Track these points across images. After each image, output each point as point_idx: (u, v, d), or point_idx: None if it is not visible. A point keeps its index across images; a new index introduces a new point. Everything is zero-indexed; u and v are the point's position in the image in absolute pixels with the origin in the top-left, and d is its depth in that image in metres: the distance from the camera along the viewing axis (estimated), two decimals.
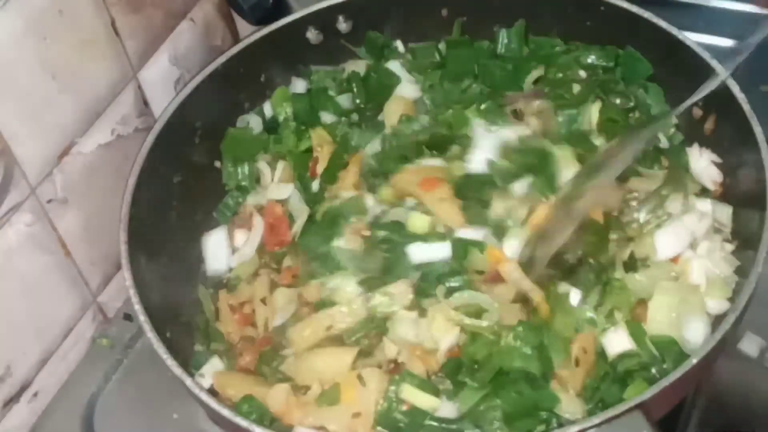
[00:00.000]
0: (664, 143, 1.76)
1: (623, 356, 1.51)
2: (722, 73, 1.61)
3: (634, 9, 1.75)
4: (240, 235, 1.82)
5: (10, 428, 1.74)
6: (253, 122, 1.92)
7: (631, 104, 1.78)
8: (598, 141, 1.75)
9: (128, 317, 1.87)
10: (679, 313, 1.53)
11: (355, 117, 1.90)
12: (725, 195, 1.69)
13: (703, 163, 1.71)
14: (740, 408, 1.63)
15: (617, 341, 1.52)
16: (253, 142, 1.89)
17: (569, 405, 1.46)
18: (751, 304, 1.44)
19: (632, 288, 1.56)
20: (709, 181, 1.70)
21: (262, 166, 1.88)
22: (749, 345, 1.68)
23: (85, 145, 1.75)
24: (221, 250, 1.82)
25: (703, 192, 1.69)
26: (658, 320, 1.52)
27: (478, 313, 1.53)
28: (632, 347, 1.51)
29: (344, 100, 1.93)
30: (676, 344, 1.50)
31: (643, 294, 1.56)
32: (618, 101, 1.79)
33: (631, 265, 1.59)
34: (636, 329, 1.52)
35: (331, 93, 1.93)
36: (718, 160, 1.71)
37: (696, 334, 1.52)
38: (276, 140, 1.89)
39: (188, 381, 1.46)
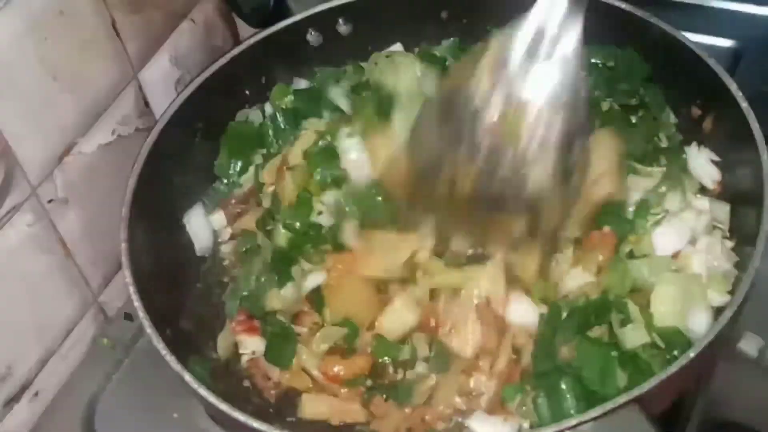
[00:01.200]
0: (663, 142, 1.76)
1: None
2: None
3: (634, 9, 1.76)
4: (218, 217, 1.84)
5: (11, 428, 1.74)
6: (253, 116, 1.92)
7: (634, 101, 1.79)
8: None
9: (129, 317, 1.87)
10: (683, 304, 1.53)
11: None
12: (724, 193, 1.69)
13: (701, 161, 1.72)
14: (740, 408, 1.62)
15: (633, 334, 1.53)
16: (253, 136, 1.88)
17: None
18: (751, 303, 1.44)
19: (631, 271, 1.58)
20: (707, 179, 1.70)
21: (256, 158, 1.89)
22: (749, 344, 1.68)
23: (86, 146, 1.75)
24: (203, 225, 1.82)
25: (702, 190, 1.69)
26: (662, 311, 1.52)
27: None
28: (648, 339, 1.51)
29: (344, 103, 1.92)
30: (682, 335, 1.50)
31: (641, 281, 1.57)
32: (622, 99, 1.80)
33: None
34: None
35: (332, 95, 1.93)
36: (717, 158, 1.71)
37: (700, 325, 1.52)
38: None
39: (187, 376, 1.46)
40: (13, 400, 1.73)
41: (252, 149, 1.88)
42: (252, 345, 1.65)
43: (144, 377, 1.77)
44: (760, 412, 1.61)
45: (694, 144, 1.74)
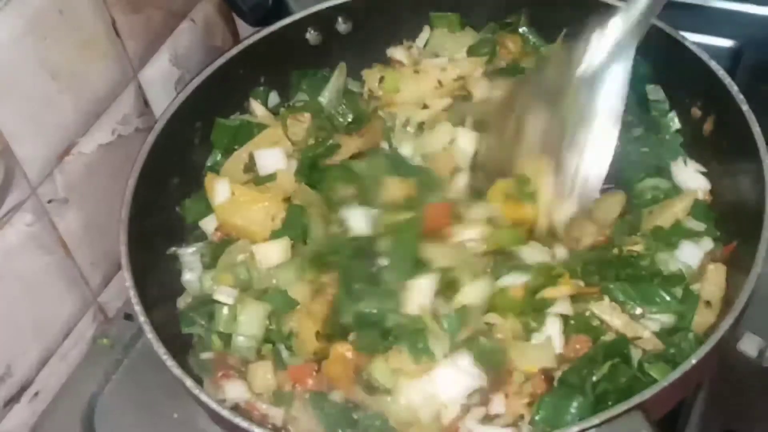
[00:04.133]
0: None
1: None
2: None
3: None
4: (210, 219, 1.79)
5: (11, 428, 1.74)
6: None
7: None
8: None
9: (129, 317, 1.87)
10: None
11: None
12: (716, 200, 1.70)
13: (689, 174, 1.74)
14: (739, 408, 1.63)
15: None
16: (242, 130, 1.86)
17: None
18: (751, 303, 1.44)
19: None
20: (697, 190, 1.72)
21: None
22: (748, 345, 1.68)
23: (86, 145, 1.75)
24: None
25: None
26: None
27: None
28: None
29: None
30: (689, 330, 1.52)
31: None
32: None
33: None
34: None
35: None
36: (703, 169, 1.73)
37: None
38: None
39: (188, 381, 1.46)
40: (13, 400, 1.73)
41: (243, 141, 1.85)
42: (233, 392, 1.60)
43: (144, 377, 1.78)
44: (760, 414, 1.61)
45: (680, 158, 1.75)
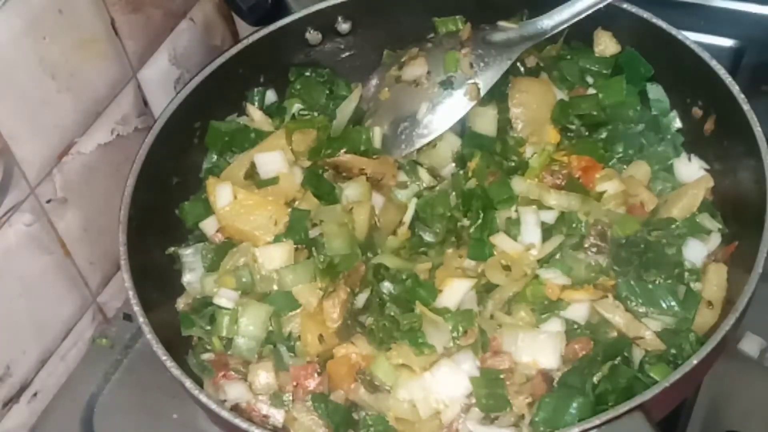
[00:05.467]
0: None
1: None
2: None
3: (634, 9, 1.75)
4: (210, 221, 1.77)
5: (10, 428, 1.74)
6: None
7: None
8: None
9: (128, 317, 1.87)
10: None
11: None
12: (718, 198, 1.69)
13: (693, 170, 1.73)
14: (740, 408, 1.62)
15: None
16: (236, 134, 1.85)
17: None
18: (751, 304, 1.44)
19: None
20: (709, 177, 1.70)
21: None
22: (749, 345, 1.68)
23: (85, 145, 1.75)
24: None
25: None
26: None
27: None
28: None
29: None
30: (691, 331, 1.51)
31: None
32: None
33: None
34: None
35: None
36: (707, 166, 1.72)
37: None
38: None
39: (188, 382, 1.46)
40: (12, 400, 1.73)
41: (236, 144, 1.84)
42: (234, 392, 1.59)
43: (143, 378, 1.78)
44: (760, 417, 1.61)
45: (684, 154, 1.74)
